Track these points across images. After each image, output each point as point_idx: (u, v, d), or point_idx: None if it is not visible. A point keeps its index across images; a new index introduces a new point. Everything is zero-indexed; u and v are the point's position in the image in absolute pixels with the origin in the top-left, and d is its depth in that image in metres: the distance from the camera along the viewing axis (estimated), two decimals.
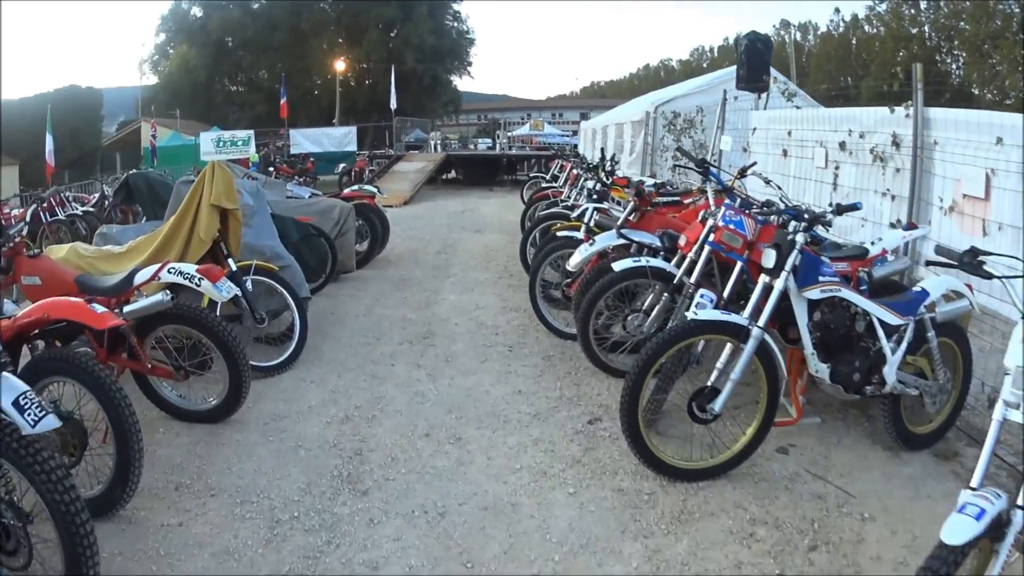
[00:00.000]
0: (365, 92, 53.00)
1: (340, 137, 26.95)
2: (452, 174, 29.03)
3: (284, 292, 6.48)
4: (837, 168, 8.20)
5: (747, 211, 5.15)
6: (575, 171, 11.36)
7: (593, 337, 5.91)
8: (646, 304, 5.88)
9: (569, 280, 6.80)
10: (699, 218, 5.64)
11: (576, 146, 26.99)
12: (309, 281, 8.67)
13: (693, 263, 5.49)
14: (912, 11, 57.19)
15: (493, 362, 6.47)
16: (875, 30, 60.36)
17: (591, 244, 6.17)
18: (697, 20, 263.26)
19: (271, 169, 18.20)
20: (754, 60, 11.39)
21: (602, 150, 10.74)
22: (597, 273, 6.00)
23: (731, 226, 4.96)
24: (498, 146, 29.95)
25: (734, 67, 18.28)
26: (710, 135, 12.96)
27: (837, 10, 64.40)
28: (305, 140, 26.84)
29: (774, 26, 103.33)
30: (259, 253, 6.78)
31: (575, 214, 7.92)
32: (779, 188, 6.31)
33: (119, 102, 60.30)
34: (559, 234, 7.07)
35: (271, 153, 27.39)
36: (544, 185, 13.82)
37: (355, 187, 11.54)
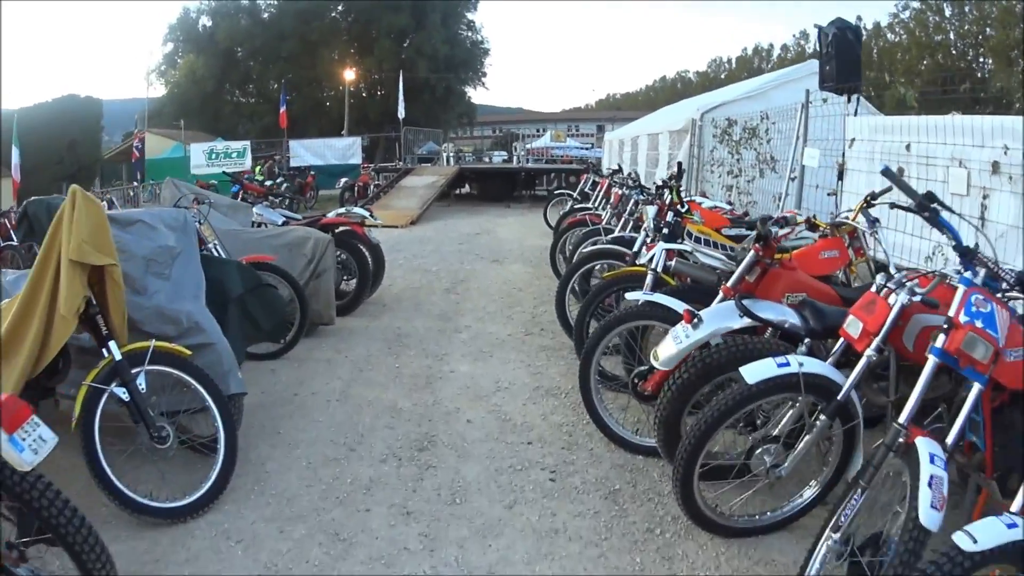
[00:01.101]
0: (377, 103, 50.82)
1: (344, 149, 24.51)
2: (466, 188, 26.65)
3: (200, 389, 4.09)
4: (985, 197, 5.85)
5: (996, 293, 2.84)
6: (617, 190, 8.98)
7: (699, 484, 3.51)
8: (782, 426, 3.49)
9: (645, 369, 4.36)
10: (875, 288, 3.25)
11: (600, 159, 24.59)
12: (266, 344, 6.34)
13: (872, 366, 3.15)
14: (937, 18, 54.82)
15: (526, 506, 3.99)
16: (897, 38, 57.80)
17: (695, 326, 3.70)
18: (715, 30, 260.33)
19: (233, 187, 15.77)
20: (844, 53, 9.00)
21: (679, 164, 8.04)
22: (702, 370, 3.60)
23: (979, 324, 2.65)
24: (515, 159, 27.44)
25: (798, 66, 15.98)
26: (779, 148, 10.56)
27: (859, 18, 61.74)
28: (306, 152, 24.46)
29: (794, 36, 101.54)
30: (172, 322, 4.39)
31: (643, 259, 5.50)
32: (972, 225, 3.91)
33: (129, 114, 58.56)
34: (628, 296, 4.60)
35: (275, 165, 25.20)
36: (577, 207, 11.39)
37: (341, 210, 9.13)
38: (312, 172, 22.76)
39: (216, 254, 6.42)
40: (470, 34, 54.84)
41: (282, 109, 24.96)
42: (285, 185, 21.76)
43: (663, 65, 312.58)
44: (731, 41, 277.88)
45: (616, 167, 10.80)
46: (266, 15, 52.99)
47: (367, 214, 9.00)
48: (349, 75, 43.11)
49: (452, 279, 10.48)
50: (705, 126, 13.10)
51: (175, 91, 52.47)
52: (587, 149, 29.52)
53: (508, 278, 10.53)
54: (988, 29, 51.65)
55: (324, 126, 46.32)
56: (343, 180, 21.39)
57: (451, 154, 27.80)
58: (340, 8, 52.25)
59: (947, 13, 54.99)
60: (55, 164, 32.58)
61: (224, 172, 17.71)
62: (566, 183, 26.08)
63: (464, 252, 12.95)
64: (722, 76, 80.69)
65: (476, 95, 58.47)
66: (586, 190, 13.04)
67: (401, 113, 27.51)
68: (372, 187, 21.70)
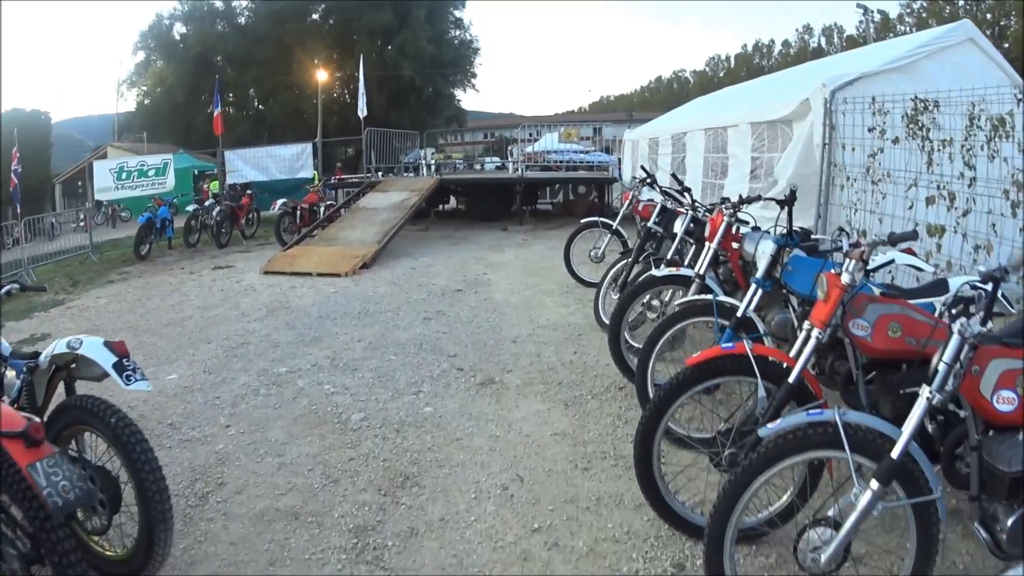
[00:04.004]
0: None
1: (290, 159, 18.02)
2: (452, 203, 20.40)
3: None
4: None
5: None
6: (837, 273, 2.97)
7: None
8: None
9: None
10: None
11: (620, 163, 18.35)
12: None
13: None
14: (951, 8, 48.93)
15: None
16: (907, 29, 51.69)
17: None
18: (710, 30, 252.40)
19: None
20: None
21: None
22: None
23: None
24: (511, 166, 20.90)
25: (950, 27, 9.63)
26: None
27: (867, 10, 55.71)
28: (245, 164, 18.08)
29: (796, 30, 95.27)
30: None
31: None
32: None
33: (106, 129, 52.94)
34: None
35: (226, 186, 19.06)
36: (664, 275, 5.19)
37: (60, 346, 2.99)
38: (249, 191, 16.46)
39: None
40: (458, 32, 48.70)
41: (216, 111, 18.54)
42: (217, 210, 15.62)
43: (659, 66, 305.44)
44: (731, 40, 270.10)
45: (789, 192, 4.47)
46: (242, 19, 46.86)
47: (95, 359, 2.91)
48: (321, 75, 36.78)
49: (384, 471, 4.18)
50: (847, 111, 7.02)
51: (144, 102, 46.54)
52: (586, 153, 23.05)
53: (520, 468, 4.24)
54: (1004, 20, 46.28)
55: (304, 135, 39.98)
56: (279, 203, 15.00)
57: (430, 162, 21.21)
58: (319, 8, 46.09)
59: (960, 3, 49.35)
60: None
61: None
62: (575, 194, 19.98)
63: (427, 350, 6.61)
64: (720, 74, 74.69)
65: (466, 99, 52.45)
66: (650, 224, 6.98)
67: (362, 111, 20.64)
68: (323, 207, 15.41)
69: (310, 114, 45.14)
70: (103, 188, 16.32)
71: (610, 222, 8.82)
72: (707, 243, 4.88)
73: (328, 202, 16.38)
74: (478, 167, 26.72)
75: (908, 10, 50.68)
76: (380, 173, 19.43)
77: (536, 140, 23.31)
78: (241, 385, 5.87)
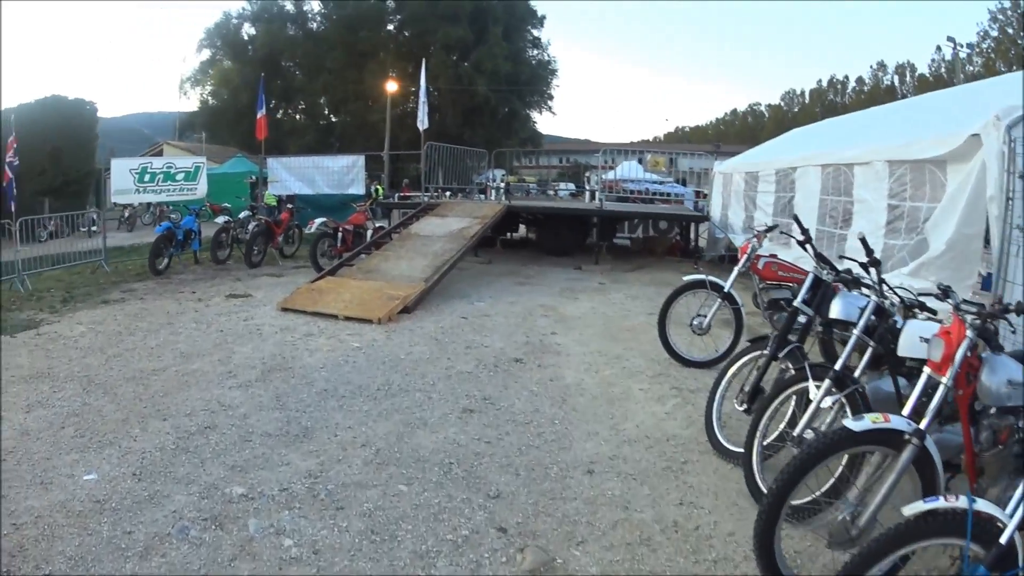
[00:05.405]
0: (433, 123, 42.61)
1: (340, 172, 15.92)
2: (522, 231, 18.11)
3: None
4: None
5: None
6: None
7: None
8: None
9: None
10: None
11: (704, 195, 15.86)
12: None
13: None
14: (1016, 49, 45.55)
15: None
16: (975, 70, 48.04)
17: None
18: (788, 66, 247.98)
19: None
20: None
21: None
22: None
23: None
24: (588, 194, 18.52)
25: None
26: None
27: (939, 48, 52.41)
28: (289, 175, 16.10)
29: (871, 67, 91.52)
30: None
31: None
32: None
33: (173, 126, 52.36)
34: None
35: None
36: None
37: None
38: (291, 205, 14.41)
39: None
40: (535, 52, 46.86)
41: (260, 114, 16.67)
42: (252, 225, 13.74)
43: (733, 99, 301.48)
44: (808, 74, 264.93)
45: None
46: (313, 24, 45.78)
47: None
48: (391, 87, 35.12)
49: None
50: None
51: (208, 101, 45.60)
52: (661, 184, 20.55)
53: None
54: None
55: (373, 147, 38.32)
56: (316, 223, 12.81)
57: (499, 184, 18.85)
58: (395, 19, 44.71)
59: None
60: (37, 175, 25.10)
61: None
62: (655, 230, 17.56)
63: (457, 479, 4.25)
64: (795, 109, 71.76)
65: (541, 122, 50.53)
66: (797, 302, 4.61)
67: (422, 123, 18.49)
68: (371, 230, 13.21)
69: (381, 126, 43.75)
70: (121, 190, 14.40)
71: (720, 282, 6.52)
72: (926, 370, 2.65)
73: (378, 224, 14.27)
74: (552, 193, 24.43)
75: (976, 50, 47.49)
76: (448, 194, 17.30)
77: (614, 168, 21.01)
78: (170, 514, 3.75)
